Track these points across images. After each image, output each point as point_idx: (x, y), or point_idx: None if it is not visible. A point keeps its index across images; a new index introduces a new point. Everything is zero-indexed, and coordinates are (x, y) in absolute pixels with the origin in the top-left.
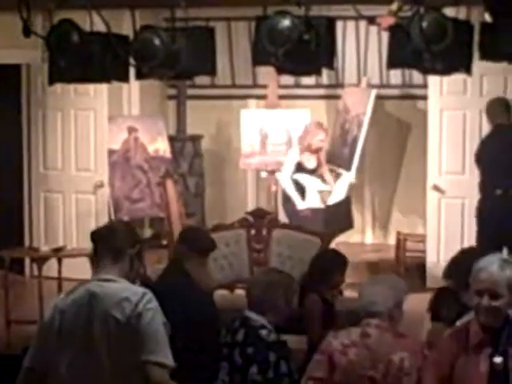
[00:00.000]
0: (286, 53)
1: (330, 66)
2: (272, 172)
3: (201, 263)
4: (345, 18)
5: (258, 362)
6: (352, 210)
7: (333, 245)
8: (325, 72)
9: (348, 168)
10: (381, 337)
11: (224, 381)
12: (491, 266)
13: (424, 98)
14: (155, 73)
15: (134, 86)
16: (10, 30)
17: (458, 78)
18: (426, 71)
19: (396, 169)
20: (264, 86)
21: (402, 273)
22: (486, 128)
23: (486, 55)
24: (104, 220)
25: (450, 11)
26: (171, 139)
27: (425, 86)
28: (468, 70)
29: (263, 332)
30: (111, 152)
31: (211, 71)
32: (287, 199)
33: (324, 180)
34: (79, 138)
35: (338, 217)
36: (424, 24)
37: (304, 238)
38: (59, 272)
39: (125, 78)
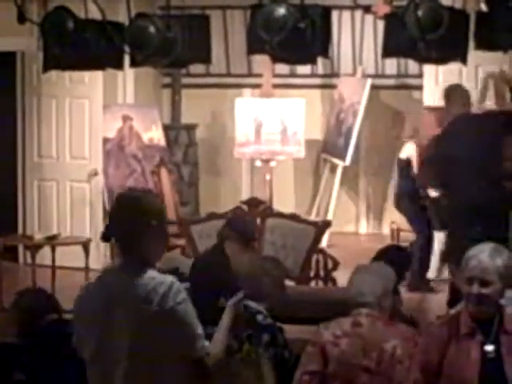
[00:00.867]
0: (280, 41)
1: (325, 54)
2: (266, 161)
3: (241, 249)
4: (340, 8)
5: (252, 343)
6: None
7: (327, 234)
8: (320, 61)
9: (343, 158)
10: (372, 325)
11: None
12: (482, 253)
13: (419, 88)
14: (150, 61)
15: (128, 74)
16: (4, 18)
17: (453, 67)
18: (421, 60)
19: (391, 159)
20: (259, 75)
21: None
22: None
23: (481, 45)
24: (98, 208)
25: (445, 0)
26: (166, 128)
27: (420, 75)
28: (463, 59)
29: (259, 317)
30: (106, 140)
31: (206, 59)
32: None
33: None
34: (74, 126)
35: None
36: (419, 13)
37: (298, 227)
38: (53, 260)
39: (119, 66)
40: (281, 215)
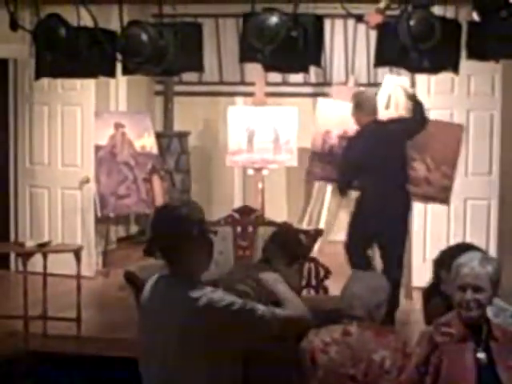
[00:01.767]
0: (273, 50)
1: (318, 63)
2: (259, 169)
3: (288, 264)
4: (333, 16)
5: None
6: None
7: (319, 243)
8: (312, 70)
9: None
10: (362, 335)
11: None
12: (472, 261)
13: None
14: (142, 69)
15: (121, 81)
16: None
17: (445, 77)
18: (413, 69)
19: None
20: (252, 84)
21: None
22: (473, 127)
23: (473, 54)
24: (90, 216)
25: (437, 10)
26: (158, 135)
27: (412, 85)
28: (455, 68)
29: None
30: (98, 148)
31: (198, 68)
32: None
33: None
34: (66, 133)
35: None
36: (412, 22)
37: None
38: (44, 267)
39: (111, 74)
40: (273, 224)
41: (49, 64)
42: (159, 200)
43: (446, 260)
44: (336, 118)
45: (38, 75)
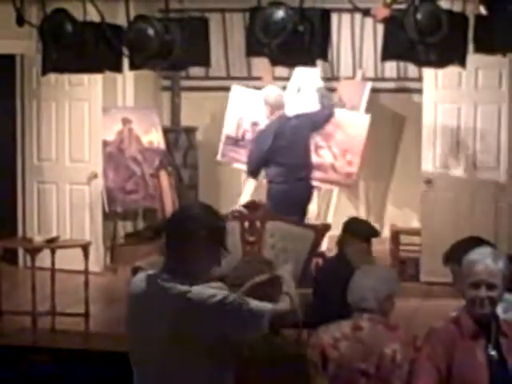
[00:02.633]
0: (279, 44)
1: (324, 57)
2: None
3: (361, 249)
4: (340, 11)
5: None
6: None
7: (327, 238)
8: (320, 64)
9: None
10: (373, 329)
11: None
12: (486, 258)
13: (419, 91)
14: (148, 63)
15: (128, 77)
16: (3, 20)
17: (452, 71)
18: (420, 63)
19: (391, 162)
20: (259, 78)
21: (396, 266)
22: (481, 121)
23: (480, 48)
24: (98, 211)
25: (444, 3)
26: (165, 131)
27: (420, 79)
28: (462, 62)
29: None
30: (105, 143)
31: (205, 62)
32: None
33: None
34: (73, 128)
35: None
36: (419, 16)
37: (297, 231)
38: (52, 263)
39: (118, 69)
40: (280, 218)
41: (55, 59)
42: (167, 195)
43: (457, 254)
44: (248, 105)
45: (45, 71)
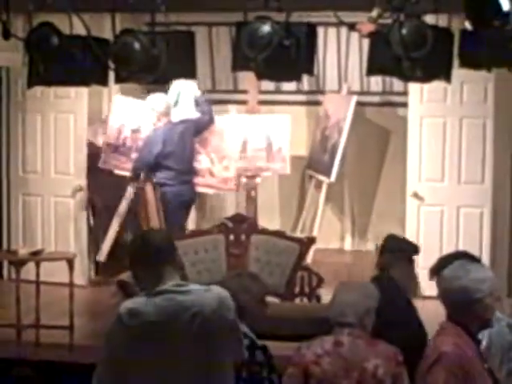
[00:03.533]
0: (265, 58)
1: (310, 72)
2: (252, 177)
3: (408, 269)
4: (326, 25)
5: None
6: None
7: (312, 251)
8: (305, 78)
9: (328, 174)
10: (353, 344)
11: None
12: (488, 271)
13: (404, 105)
14: (134, 77)
15: (114, 89)
16: None
17: (438, 85)
18: (405, 78)
19: (376, 176)
20: (244, 92)
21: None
22: (466, 135)
23: (465, 63)
24: (83, 224)
25: (430, 19)
26: None
27: (405, 93)
28: (448, 77)
29: (245, 341)
30: (91, 156)
31: (191, 76)
32: None
33: None
34: (58, 141)
35: None
36: (404, 31)
37: (283, 244)
38: (37, 275)
39: (104, 82)
40: (265, 232)
41: (41, 72)
42: (152, 209)
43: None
44: (130, 113)
45: (31, 83)
